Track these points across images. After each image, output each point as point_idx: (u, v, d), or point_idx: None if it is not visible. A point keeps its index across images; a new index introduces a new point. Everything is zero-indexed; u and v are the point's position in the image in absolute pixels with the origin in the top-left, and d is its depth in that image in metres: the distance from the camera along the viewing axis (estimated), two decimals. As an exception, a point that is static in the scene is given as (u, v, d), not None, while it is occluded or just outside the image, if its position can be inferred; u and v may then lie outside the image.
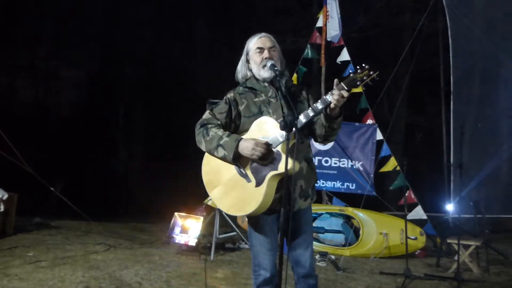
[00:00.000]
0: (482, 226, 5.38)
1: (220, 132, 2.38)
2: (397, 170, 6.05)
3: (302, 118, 2.29)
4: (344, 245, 5.66)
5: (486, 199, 6.13)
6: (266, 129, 2.33)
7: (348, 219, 5.92)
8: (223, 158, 2.35)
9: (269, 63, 2.41)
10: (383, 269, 4.91)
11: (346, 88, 2.22)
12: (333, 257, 5.18)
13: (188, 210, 5.94)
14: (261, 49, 2.48)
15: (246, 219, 6.01)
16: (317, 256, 5.09)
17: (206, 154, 2.47)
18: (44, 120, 14.32)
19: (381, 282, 4.43)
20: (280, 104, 2.43)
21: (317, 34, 6.78)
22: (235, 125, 2.48)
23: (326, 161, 6.31)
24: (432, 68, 8.42)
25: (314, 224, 5.80)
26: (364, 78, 2.22)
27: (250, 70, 2.54)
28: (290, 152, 2.15)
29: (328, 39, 6.67)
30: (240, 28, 12.82)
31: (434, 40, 7.77)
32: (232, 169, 2.39)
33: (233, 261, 5.09)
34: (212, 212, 5.73)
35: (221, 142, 2.34)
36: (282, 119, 2.17)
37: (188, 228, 5.49)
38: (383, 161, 6.26)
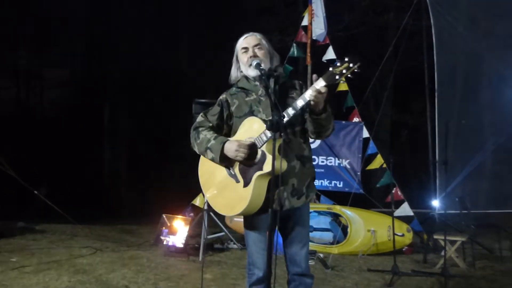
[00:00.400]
0: (467, 222, 5.45)
1: (208, 135, 2.42)
2: (384, 167, 6.09)
3: (286, 118, 2.25)
4: (332, 243, 5.68)
5: (471, 194, 6.22)
6: (253, 129, 2.33)
7: (336, 217, 5.94)
8: (212, 160, 2.41)
9: (254, 62, 2.40)
10: (371, 266, 4.94)
11: (324, 83, 2.17)
12: (321, 255, 5.19)
13: (176, 211, 5.90)
14: (246, 49, 2.48)
15: (235, 219, 6.02)
16: (306, 255, 5.08)
17: (202, 156, 2.51)
18: (26, 121, 14.06)
19: (370, 279, 4.45)
20: (270, 102, 2.42)
21: (303, 32, 6.79)
22: (227, 126, 2.51)
23: (314, 159, 6.29)
24: (416, 66, 8.50)
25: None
26: (344, 71, 2.13)
27: (241, 71, 2.54)
28: (274, 151, 2.13)
29: (314, 38, 6.68)
30: (225, 27, 12.78)
31: (418, 38, 7.85)
32: (223, 170, 2.43)
33: (222, 261, 5.06)
34: (200, 212, 5.69)
35: (209, 145, 2.39)
36: (270, 118, 2.15)
37: (176, 229, 5.45)
38: (369, 158, 6.30)
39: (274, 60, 2.52)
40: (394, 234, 4.77)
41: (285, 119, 2.24)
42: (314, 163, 6.23)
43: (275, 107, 2.23)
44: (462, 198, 5.60)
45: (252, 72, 2.44)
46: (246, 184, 2.31)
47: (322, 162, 6.32)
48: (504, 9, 6.69)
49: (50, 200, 6.40)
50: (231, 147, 2.31)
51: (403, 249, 5.62)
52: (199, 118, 2.54)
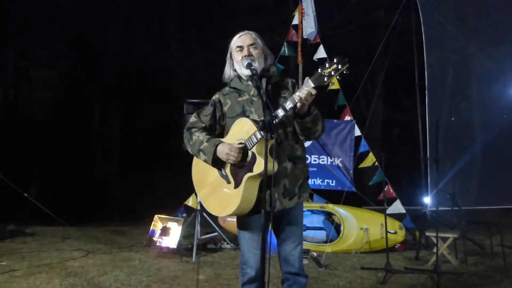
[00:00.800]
0: (459, 218, 5.49)
1: (201, 136, 2.42)
2: (376, 165, 6.12)
3: (276, 119, 2.24)
4: (325, 242, 5.68)
5: (462, 191, 6.27)
6: (243, 130, 2.33)
7: (329, 215, 5.95)
8: (205, 162, 2.41)
9: (245, 62, 2.38)
10: (364, 264, 4.95)
11: (313, 85, 2.16)
12: (315, 254, 5.19)
13: (168, 211, 5.86)
14: (241, 48, 2.45)
15: (227, 219, 6.00)
16: (299, 254, 5.09)
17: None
18: (15, 123, 13.90)
19: (363, 277, 4.46)
20: (262, 103, 2.41)
21: (294, 31, 6.78)
22: (220, 126, 2.51)
23: (306, 158, 6.31)
24: (406, 63, 8.55)
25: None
26: (332, 73, 2.12)
27: (235, 70, 2.52)
28: (266, 153, 2.12)
29: (305, 37, 6.68)
30: (216, 26, 12.75)
31: (408, 36, 7.88)
32: (215, 170, 2.44)
33: (215, 262, 5.04)
34: (192, 213, 5.67)
35: (201, 147, 2.39)
36: (261, 119, 2.14)
37: (168, 230, 5.41)
38: (361, 157, 6.31)
39: (268, 59, 2.51)
40: (386, 231, 4.79)
41: (276, 120, 2.22)
42: (306, 161, 6.31)
43: (266, 107, 2.21)
44: (453, 195, 5.64)
45: (245, 71, 2.43)
46: (237, 185, 2.32)
47: (315, 161, 6.33)
48: (491, 6, 6.75)
49: (40, 202, 6.34)
50: (223, 150, 2.31)
51: (396, 247, 5.65)
52: (192, 118, 2.53)
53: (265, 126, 2.11)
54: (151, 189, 11.75)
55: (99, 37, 13.86)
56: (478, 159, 6.74)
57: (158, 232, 5.48)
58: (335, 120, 6.50)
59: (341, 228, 5.65)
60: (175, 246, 5.25)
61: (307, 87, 2.17)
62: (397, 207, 6.02)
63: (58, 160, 12.34)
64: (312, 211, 6.00)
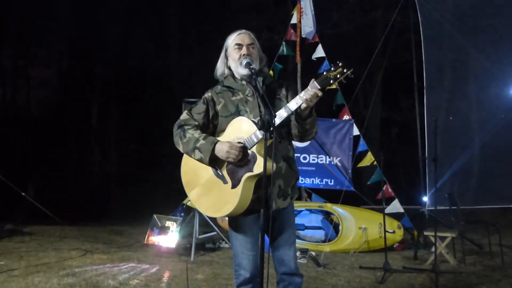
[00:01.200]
0: (457, 218, 5.50)
1: (196, 134, 2.36)
2: (374, 164, 6.12)
3: (276, 119, 2.23)
4: (324, 241, 5.69)
5: (460, 190, 6.27)
6: (241, 129, 2.30)
7: (327, 215, 5.95)
8: (200, 161, 2.33)
9: (244, 61, 2.37)
10: (362, 263, 4.95)
11: (319, 87, 2.18)
12: (313, 253, 5.19)
13: (167, 211, 5.86)
14: (239, 46, 2.43)
15: (226, 218, 5.98)
16: (298, 253, 5.09)
17: (185, 155, 2.44)
18: (13, 122, 13.87)
19: (361, 277, 4.46)
20: (257, 103, 2.40)
21: (292, 31, 6.78)
22: (213, 125, 2.45)
23: (305, 158, 6.32)
24: (405, 63, 8.55)
25: (294, 221, 5.81)
26: (338, 76, 2.16)
27: (229, 67, 2.49)
28: (265, 152, 2.11)
29: (303, 36, 6.68)
30: (213, 25, 12.73)
31: (406, 36, 7.89)
32: (209, 170, 2.37)
33: (213, 261, 5.04)
34: (191, 212, 5.66)
35: (198, 144, 2.32)
36: (259, 118, 2.13)
37: (167, 230, 5.41)
38: (360, 156, 6.32)
39: (263, 61, 2.51)
40: (385, 231, 4.79)
41: (278, 121, 2.22)
42: (305, 161, 6.32)
43: (266, 106, 2.20)
44: (452, 194, 5.64)
45: (242, 71, 2.40)
46: (234, 186, 2.28)
47: (313, 160, 6.32)
48: (489, 6, 6.75)
49: (38, 201, 6.33)
50: (223, 148, 2.26)
51: (394, 246, 5.66)
52: (184, 115, 2.45)
53: (264, 125, 2.09)
54: (149, 189, 11.73)
55: (98, 37, 13.83)
56: (477, 158, 6.75)
57: (156, 231, 5.47)
58: (334, 119, 6.49)
59: (340, 227, 5.65)
60: (173, 246, 5.25)
61: (313, 88, 2.18)
62: (395, 206, 6.02)
63: (56, 159, 12.32)
64: (311, 211, 6.00)
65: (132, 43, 15.33)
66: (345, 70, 2.16)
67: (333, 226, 5.74)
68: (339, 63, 2.18)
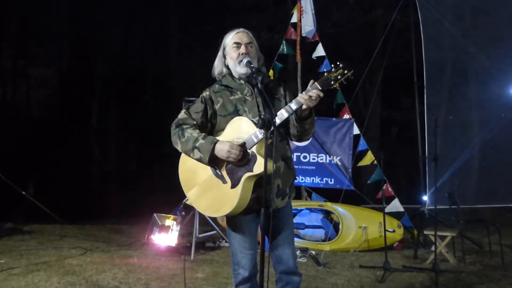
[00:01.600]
0: (457, 217, 5.50)
1: (195, 133, 2.34)
2: (374, 164, 6.12)
3: (276, 119, 2.23)
4: (324, 240, 5.69)
5: (460, 190, 6.27)
6: (241, 129, 2.29)
7: (327, 214, 5.96)
8: (199, 160, 2.32)
9: (245, 60, 2.36)
10: (362, 262, 4.96)
11: (320, 87, 2.19)
12: (313, 252, 5.20)
13: (167, 210, 5.86)
14: (238, 44, 2.42)
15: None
16: (298, 252, 5.10)
17: (183, 154, 2.43)
18: (13, 121, 13.87)
19: (361, 276, 4.46)
20: (256, 102, 2.40)
21: (292, 30, 6.77)
22: (211, 125, 2.45)
23: (305, 157, 6.32)
24: (405, 62, 8.55)
25: (294, 220, 5.80)
26: (339, 77, 2.17)
27: (227, 66, 2.48)
28: (266, 151, 2.11)
29: (303, 35, 6.67)
30: (213, 24, 12.72)
31: (406, 35, 7.89)
32: (208, 170, 2.37)
33: (213, 260, 5.05)
34: (191, 211, 5.66)
35: (197, 144, 2.31)
36: (259, 117, 2.13)
37: (167, 229, 5.41)
38: (360, 155, 6.32)
39: (260, 61, 2.50)
40: (385, 230, 4.79)
41: (278, 121, 2.22)
42: (305, 160, 6.32)
43: (267, 106, 2.20)
44: (452, 194, 5.64)
45: (241, 69, 2.40)
46: (234, 185, 2.27)
47: (313, 159, 6.33)
48: (489, 5, 6.75)
49: (38, 200, 6.31)
50: (223, 148, 2.25)
51: (394, 245, 5.66)
52: (182, 114, 2.44)
53: (264, 124, 2.09)
54: (149, 187, 11.72)
55: (98, 36, 13.83)
56: (476, 157, 6.75)
57: (156, 230, 5.48)
58: (334, 119, 6.49)
59: (340, 226, 5.65)
60: (173, 245, 5.25)
61: (315, 89, 2.19)
62: (395, 205, 6.03)
63: (56, 158, 12.32)
64: (311, 210, 6.00)
65: (132, 43, 15.32)
66: (345, 71, 2.17)
67: (333, 225, 5.74)
68: (339, 64, 2.18)
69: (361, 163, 6.33)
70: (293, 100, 2.24)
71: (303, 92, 2.22)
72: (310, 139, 6.07)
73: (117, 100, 14.72)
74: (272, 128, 2.10)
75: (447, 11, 6.84)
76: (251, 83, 2.41)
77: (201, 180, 2.38)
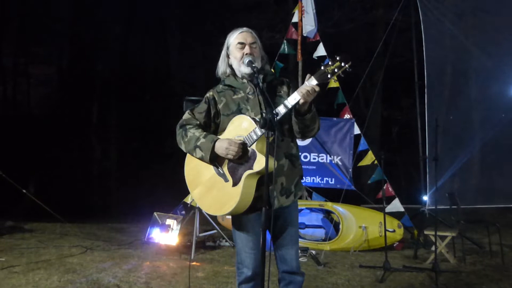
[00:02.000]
0: (457, 217, 5.50)
1: (197, 133, 2.37)
2: (375, 163, 6.12)
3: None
4: (324, 240, 5.69)
5: (460, 190, 6.27)
6: (242, 127, 2.30)
7: (328, 214, 5.95)
8: (201, 159, 2.35)
9: (246, 60, 2.37)
10: (362, 262, 4.96)
11: (316, 82, 2.17)
12: (313, 252, 5.20)
13: (167, 209, 5.86)
14: (242, 45, 2.42)
15: (227, 217, 6.00)
16: (298, 252, 5.09)
17: (188, 154, 2.45)
18: (14, 119, 13.88)
19: (361, 276, 4.46)
20: (258, 101, 2.40)
21: (293, 29, 6.77)
22: (215, 124, 2.46)
23: (305, 157, 6.32)
24: (406, 62, 8.54)
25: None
26: (336, 70, 2.13)
27: (230, 66, 2.49)
28: (267, 150, 2.11)
29: (304, 35, 6.67)
30: (215, 24, 12.72)
31: (407, 34, 7.89)
32: (211, 169, 2.38)
33: (214, 259, 5.05)
34: (191, 210, 5.67)
35: (198, 143, 2.33)
36: (261, 116, 2.12)
37: (167, 228, 5.41)
38: (361, 155, 6.32)
39: (264, 60, 2.51)
40: (385, 230, 4.79)
41: (277, 118, 2.21)
42: (306, 160, 6.32)
43: (268, 105, 2.20)
44: (452, 194, 5.64)
45: (245, 69, 2.40)
46: (235, 184, 2.28)
47: (314, 159, 6.33)
48: (489, 4, 6.75)
49: (39, 198, 6.33)
50: (222, 145, 2.26)
51: (394, 245, 5.66)
52: (186, 115, 2.47)
53: (266, 123, 2.09)
54: (149, 186, 11.74)
55: (98, 35, 13.83)
56: (477, 157, 6.75)
57: (157, 229, 5.48)
58: (335, 118, 6.49)
59: (340, 226, 5.65)
60: (174, 244, 5.25)
61: (310, 83, 2.17)
62: (395, 205, 6.02)
63: (56, 157, 12.33)
64: (311, 209, 6.00)
65: (132, 42, 15.32)
66: (342, 64, 2.12)
67: (333, 225, 5.74)
68: (336, 57, 2.14)
69: (361, 163, 6.32)
70: (290, 96, 2.24)
71: (300, 87, 2.21)
72: (311, 138, 6.10)
73: (117, 99, 14.74)
74: (273, 126, 2.10)
75: (448, 10, 6.84)
76: (253, 82, 2.42)
77: (204, 179, 2.40)
